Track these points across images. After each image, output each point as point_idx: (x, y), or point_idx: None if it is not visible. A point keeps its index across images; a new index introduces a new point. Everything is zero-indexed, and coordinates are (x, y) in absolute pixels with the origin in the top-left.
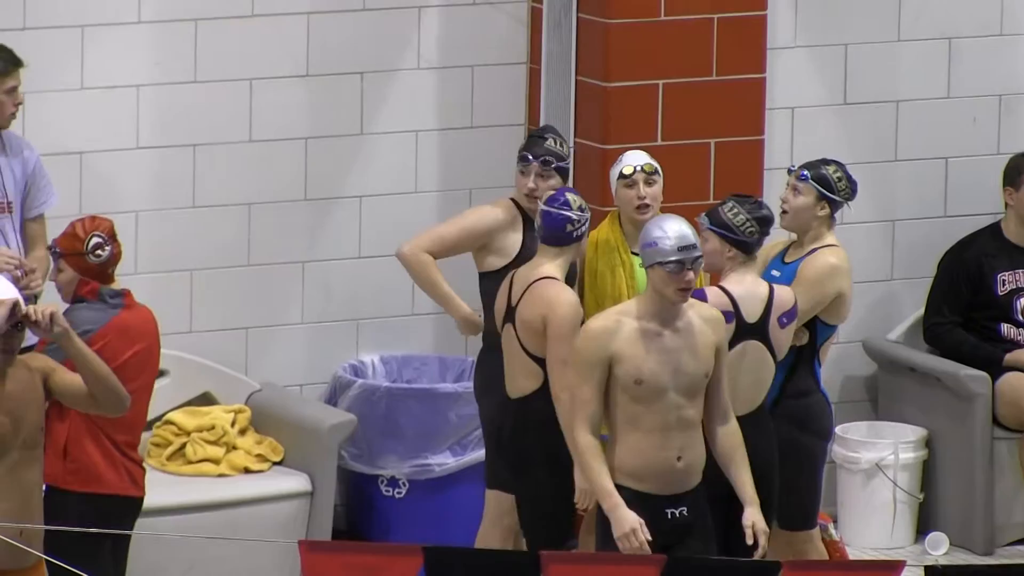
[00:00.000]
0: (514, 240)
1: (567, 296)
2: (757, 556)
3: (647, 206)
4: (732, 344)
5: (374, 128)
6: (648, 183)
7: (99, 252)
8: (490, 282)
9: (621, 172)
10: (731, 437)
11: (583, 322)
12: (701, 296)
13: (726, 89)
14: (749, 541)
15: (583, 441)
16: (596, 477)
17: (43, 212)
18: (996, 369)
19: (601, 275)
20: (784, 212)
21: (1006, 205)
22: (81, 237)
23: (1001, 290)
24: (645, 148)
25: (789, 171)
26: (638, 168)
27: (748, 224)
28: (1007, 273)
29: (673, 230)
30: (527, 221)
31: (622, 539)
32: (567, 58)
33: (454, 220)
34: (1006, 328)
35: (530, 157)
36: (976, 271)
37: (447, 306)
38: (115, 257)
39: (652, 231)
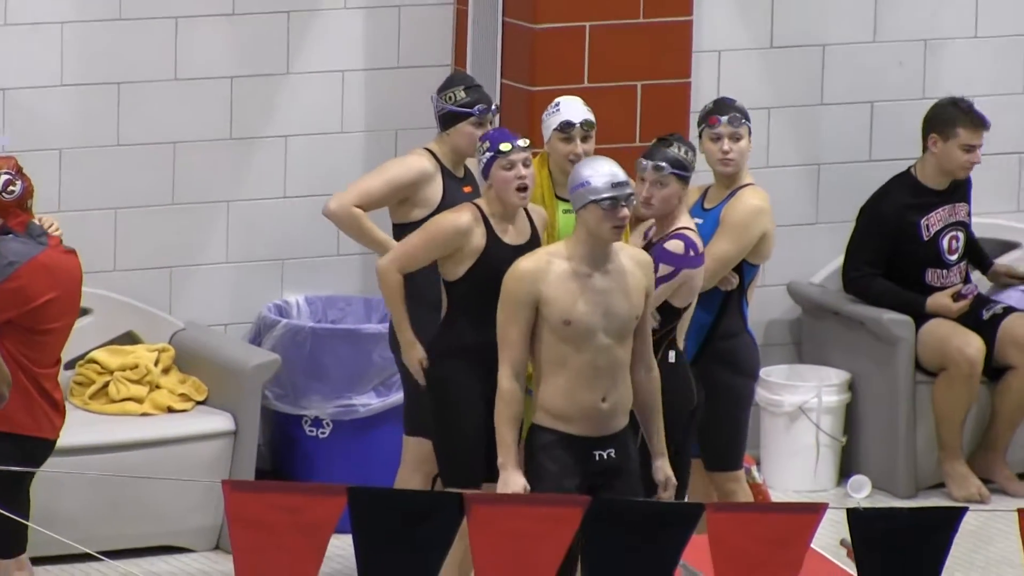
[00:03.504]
0: (435, 190)
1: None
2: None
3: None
4: None
5: (300, 68)
6: (585, 139)
7: (11, 188)
8: (408, 233)
9: (561, 125)
10: (652, 385)
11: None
12: (691, 242)
13: (653, 31)
14: (662, 492)
15: (505, 385)
16: (500, 425)
17: None
18: (919, 315)
19: None
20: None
21: (925, 149)
22: None
23: (926, 235)
24: (572, 90)
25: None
26: (578, 125)
27: (692, 157)
28: (929, 217)
29: (604, 169)
30: (444, 170)
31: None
32: None
33: (378, 173)
34: (931, 274)
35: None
36: (896, 224)
37: (383, 248)
38: (28, 191)
39: (583, 172)
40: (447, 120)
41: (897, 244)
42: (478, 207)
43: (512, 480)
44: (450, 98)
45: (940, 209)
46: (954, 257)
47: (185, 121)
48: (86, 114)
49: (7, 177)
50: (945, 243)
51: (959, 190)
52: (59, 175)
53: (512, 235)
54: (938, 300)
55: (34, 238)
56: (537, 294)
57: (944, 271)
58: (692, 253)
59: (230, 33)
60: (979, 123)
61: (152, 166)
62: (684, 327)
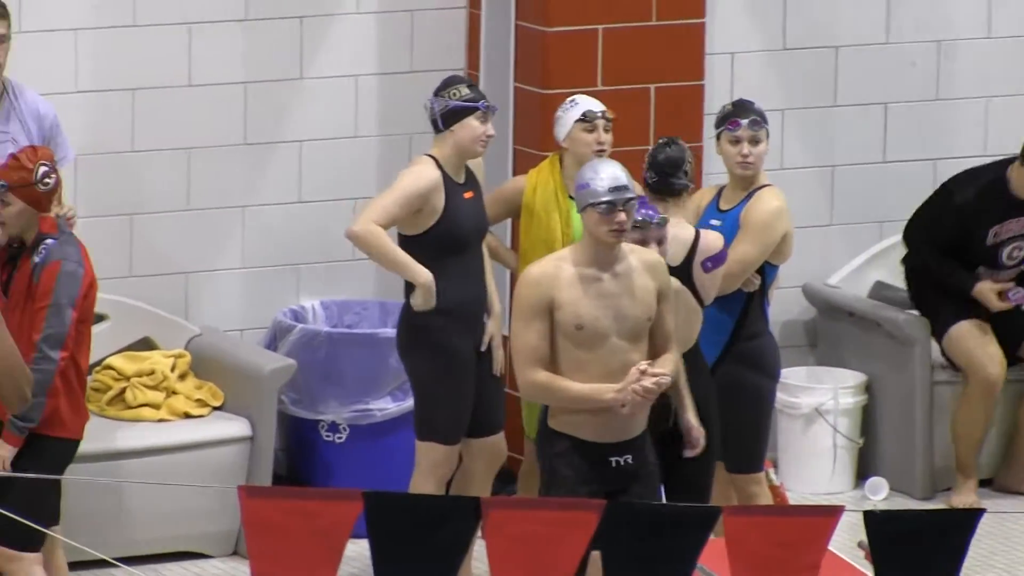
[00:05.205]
0: (440, 198)
1: None
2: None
3: (604, 151)
4: None
5: (313, 73)
6: (606, 130)
7: (47, 180)
8: (417, 244)
9: (583, 115)
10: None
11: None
12: None
13: (666, 34)
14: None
15: (542, 377)
16: (577, 391)
17: (62, 167)
18: (959, 298)
19: (537, 217)
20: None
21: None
22: (29, 168)
23: (991, 240)
24: (586, 93)
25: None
26: (600, 114)
27: (646, 166)
28: (1002, 225)
29: (605, 172)
30: (446, 177)
31: (628, 398)
32: (506, 2)
33: (393, 189)
34: (984, 271)
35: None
36: (965, 220)
37: (408, 272)
38: (59, 184)
39: (585, 173)
40: (450, 117)
41: (960, 236)
42: None
43: (607, 388)
44: (454, 94)
45: (1016, 220)
46: (1012, 263)
47: (199, 127)
48: (101, 120)
49: (45, 168)
50: (1007, 251)
51: None
52: (75, 181)
53: None
54: (985, 289)
55: (66, 233)
56: (550, 299)
57: (996, 271)
58: None
59: (243, 39)
60: None
61: (167, 172)
62: None
